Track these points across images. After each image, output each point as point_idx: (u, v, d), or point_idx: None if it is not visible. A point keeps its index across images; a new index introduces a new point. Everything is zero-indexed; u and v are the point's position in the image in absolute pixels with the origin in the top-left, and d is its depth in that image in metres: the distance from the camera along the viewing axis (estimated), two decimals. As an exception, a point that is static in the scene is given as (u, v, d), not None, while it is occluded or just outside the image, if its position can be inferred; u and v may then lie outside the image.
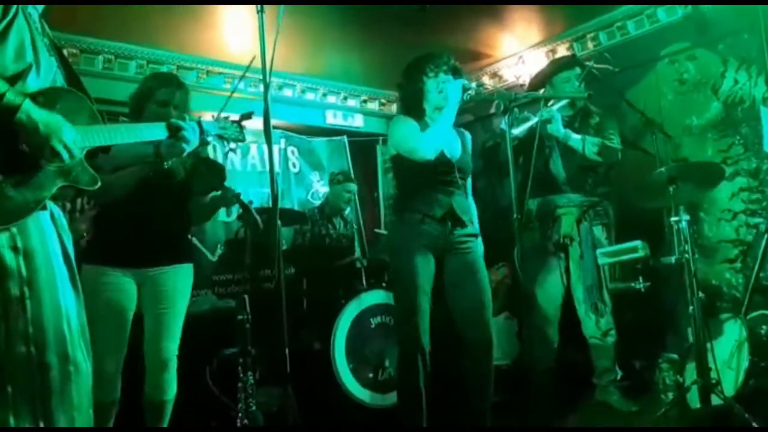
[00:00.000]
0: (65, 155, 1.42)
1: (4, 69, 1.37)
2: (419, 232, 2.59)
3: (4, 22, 1.36)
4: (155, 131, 1.88)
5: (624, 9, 4.11)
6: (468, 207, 2.75)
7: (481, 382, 2.59)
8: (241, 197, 2.82)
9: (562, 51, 4.54)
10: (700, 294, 2.67)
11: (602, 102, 3.43)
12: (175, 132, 1.92)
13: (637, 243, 2.96)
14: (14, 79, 1.37)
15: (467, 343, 2.61)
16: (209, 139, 2.15)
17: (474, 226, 2.74)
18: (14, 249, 1.37)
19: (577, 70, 3.33)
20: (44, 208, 1.47)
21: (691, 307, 2.66)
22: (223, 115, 2.23)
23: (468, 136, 2.85)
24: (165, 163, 2.09)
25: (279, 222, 1.67)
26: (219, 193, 2.73)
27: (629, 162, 3.39)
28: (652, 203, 3.01)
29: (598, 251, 3.13)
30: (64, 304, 1.46)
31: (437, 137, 2.56)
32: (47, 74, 1.49)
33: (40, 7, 1.53)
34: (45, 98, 1.42)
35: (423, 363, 2.52)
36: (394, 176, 2.90)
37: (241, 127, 2.26)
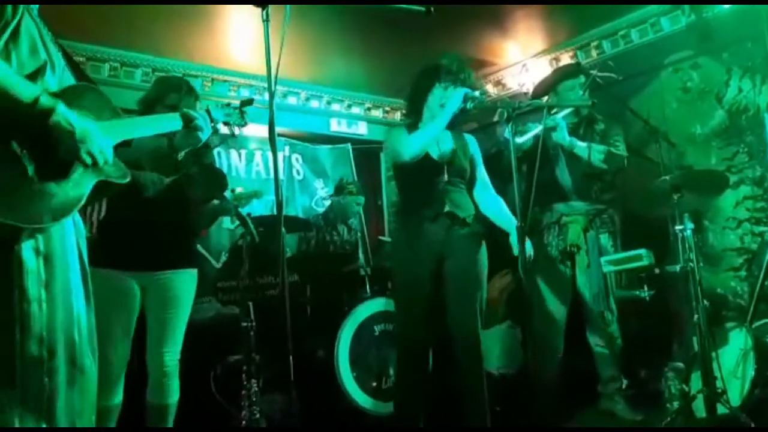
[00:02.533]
0: (100, 160, 1.45)
1: (22, 66, 1.38)
2: (418, 234, 2.60)
3: (15, 21, 1.37)
4: (171, 122, 1.96)
5: (628, 17, 4.13)
6: (467, 205, 2.73)
7: (472, 382, 2.57)
8: (239, 209, 2.85)
9: (566, 59, 4.55)
10: (705, 302, 2.66)
11: (606, 110, 3.44)
12: (188, 122, 1.99)
13: (642, 251, 2.96)
14: (33, 77, 1.39)
15: (456, 344, 2.60)
16: (218, 127, 2.22)
17: (476, 225, 2.73)
18: (36, 251, 1.39)
19: (581, 78, 3.34)
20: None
21: (696, 316, 2.65)
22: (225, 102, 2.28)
23: (471, 139, 2.87)
24: (179, 155, 2.14)
25: (283, 229, 1.67)
26: (217, 202, 2.75)
27: (633, 170, 3.39)
28: (657, 211, 3.01)
29: (603, 259, 3.12)
30: (77, 308, 1.47)
31: (422, 138, 2.58)
32: (60, 70, 1.52)
33: (35, 7, 1.54)
34: (71, 96, 1.44)
35: (426, 364, 2.52)
36: (396, 182, 2.90)
37: (243, 113, 2.30)
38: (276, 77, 1.62)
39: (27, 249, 1.37)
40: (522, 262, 2.31)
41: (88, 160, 1.43)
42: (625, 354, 3.21)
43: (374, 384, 3.50)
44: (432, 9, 1.66)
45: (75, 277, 1.49)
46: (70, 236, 1.50)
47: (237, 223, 4.54)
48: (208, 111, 2.15)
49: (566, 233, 3.27)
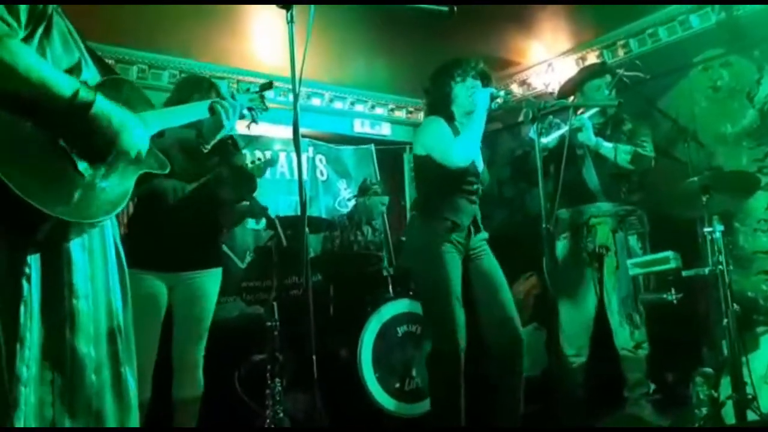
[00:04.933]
0: (142, 150, 1.46)
1: (57, 62, 1.39)
2: (447, 239, 2.59)
3: (45, 19, 1.38)
4: (200, 110, 2.00)
5: (656, 16, 4.05)
6: (479, 211, 2.77)
7: (513, 382, 2.60)
8: (268, 212, 2.88)
9: (592, 58, 4.49)
10: (735, 306, 2.60)
11: (634, 109, 3.39)
12: (215, 110, 2.03)
13: (669, 254, 2.90)
14: (69, 73, 1.39)
15: (497, 346, 2.60)
16: (244, 112, 2.26)
17: (485, 231, 2.77)
18: (83, 247, 1.39)
19: (608, 77, 3.30)
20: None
21: (725, 320, 2.59)
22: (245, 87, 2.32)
23: None
24: (206, 146, 2.20)
25: (306, 230, 1.68)
26: (246, 204, 2.79)
27: (662, 170, 3.33)
28: (685, 213, 2.95)
29: (629, 261, 3.07)
30: (115, 303, 1.48)
31: (471, 146, 2.57)
32: (92, 67, 1.53)
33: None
34: (108, 89, 1.44)
35: (460, 362, 2.52)
36: (417, 177, 2.88)
37: (263, 98, 2.33)
38: (300, 79, 1.63)
39: (76, 245, 1.38)
40: (547, 264, 2.29)
41: (130, 149, 1.43)
42: (652, 358, 3.16)
43: (397, 385, 3.49)
44: (455, 9, 1.65)
45: (113, 274, 1.50)
46: (107, 229, 1.51)
47: (263, 223, 4.61)
48: (233, 97, 2.18)
49: (595, 234, 3.23)
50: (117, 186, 1.44)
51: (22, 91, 1.23)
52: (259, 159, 3.30)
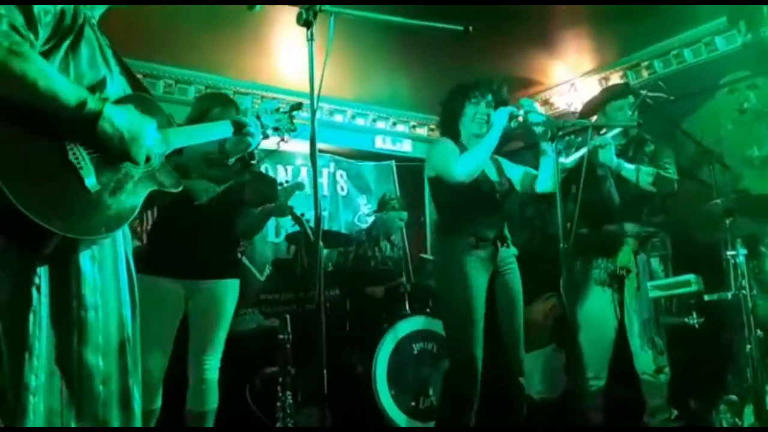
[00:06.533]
0: (142, 159, 1.45)
1: (81, 77, 1.41)
2: (472, 255, 2.58)
3: (73, 33, 1.41)
4: (223, 129, 1.98)
5: (681, 37, 4.04)
6: (505, 228, 2.76)
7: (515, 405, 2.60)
8: (294, 210, 2.90)
9: (616, 79, 4.48)
10: (759, 332, 2.53)
11: (657, 131, 3.35)
12: (239, 129, 2.02)
13: (690, 277, 2.85)
14: (93, 89, 1.41)
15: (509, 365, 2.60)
16: (268, 132, 2.24)
17: (513, 247, 2.76)
18: (92, 258, 1.41)
19: (630, 98, 3.27)
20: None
21: (748, 346, 2.53)
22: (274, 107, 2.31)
23: (504, 162, 2.88)
24: (229, 160, 2.19)
25: (321, 244, 1.69)
26: (272, 204, 2.81)
27: (686, 192, 3.28)
28: (708, 236, 2.91)
29: (649, 284, 3.02)
30: (125, 314, 1.49)
31: (472, 161, 2.56)
32: (119, 82, 1.56)
33: (98, 15, 1.58)
34: (125, 104, 1.46)
35: (477, 382, 2.50)
36: (432, 199, 2.90)
37: (292, 118, 2.32)
38: (318, 95, 1.65)
39: (85, 257, 1.39)
40: (565, 284, 2.27)
41: (141, 158, 1.43)
42: (674, 383, 3.08)
43: (412, 403, 3.47)
44: (470, 29, 1.66)
45: (123, 285, 1.51)
46: (120, 244, 1.52)
47: (282, 236, 4.65)
48: (258, 117, 2.18)
49: (616, 255, 3.18)
50: (125, 201, 1.44)
51: (31, 99, 1.25)
52: (287, 181, 3.32)
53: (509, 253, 2.71)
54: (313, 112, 1.63)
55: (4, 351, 1.25)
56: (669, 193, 3.17)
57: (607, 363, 3.18)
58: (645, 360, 3.09)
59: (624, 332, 3.17)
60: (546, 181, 2.73)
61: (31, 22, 1.30)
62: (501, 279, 2.68)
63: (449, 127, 2.75)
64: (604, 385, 3.16)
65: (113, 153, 1.39)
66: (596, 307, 3.21)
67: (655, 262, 3.15)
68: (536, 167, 3.79)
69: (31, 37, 1.30)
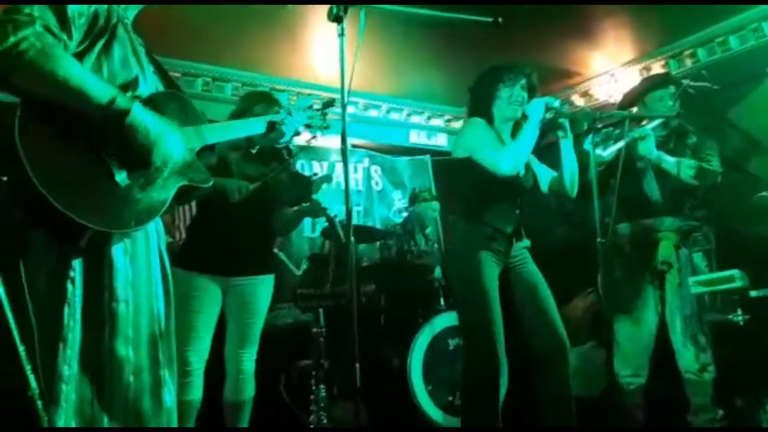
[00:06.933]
0: (160, 161, 1.46)
1: (114, 76, 1.45)
2: (488, 246, 2.54)
3: (107, 34, 1.44)
4: (256, 126, 2.01)
5: (726, 24, 3.90)
6: (522, 220, 2.69)
7: (557, 391, 2.49)
8: (328, 211, 2.93)
9: (657, 68, 4.36)
10: (808, 331, 2.44)
11: (700, 122, 3.24)
12: (272, 127, 2.05)
13: (734, 272, 2.75)
14: (125, 88, 1.45)
15: (541, 353, 2.53)
16: (300, 129, 2.26)
17: (527, 239, 2.70)
18: (125, 252, 1.44)
19: (672, 88, 3.17)
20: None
21: (797, 345, 2.43)
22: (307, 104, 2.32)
23: (530, 157, 2.81)
24: (253, 149, 2.23)
25: (353, 238, 1.70)
26: (307, 204, 2.85)
27: (731, 185, 3.16)
28: (754, 229, 2.80)
29: (691, 279, 2.93)
30: (157, 308, 1.52)
31: (518, 155, 2.51)
32: (151, 81, 1.59)
33: (132, 15, 1.61)
34: (157, 103, 1.49)
35: (499, 377, 2.45)
36: (457, 181, 2.79)
37: (325, 115, 2.33)
38: (349, 90, 1.65)
39: (118, 250, 1.43)
40: (602, 280, 2.22)
41: (160, 161, 1.45)
42: (719, 382, 2.99)
43: (449, 398, 3.45)
44: (500, 20, 1.64)
45: (156, 279, 1.54)
46: (152, 233, 1.56)
47: (318, 231, 4.69)
48: (290, 113, 2.20)
49: (657, 250, 3.10)
50: (155, 196, 1.47)
51: (62, 98, 1.29)
52: (315, 174, 3.36)
53: (521, 246, 2.64)
54: (344, 107, 1.64)
55: (42, 341, 1.29)
56: (712, 186, 3.07)
57: (648, 360, 3.11)
58: (688, 358, 3.00)
59: (665, 329, 3.09)
60: (567, 179, 2.65)
61: (65, 24, 1.34)
62: (515, 272, 2.61)
63: (482, 112, 2.68)
64: (644, 383, 3.09)
65: (135, 151, 1.41)
66: (636, 303, 3.14)
67: (698, 257, 3.06)
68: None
69: (65, 38, 1.34)
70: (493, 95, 2.63)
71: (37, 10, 1.29)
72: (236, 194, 2.50)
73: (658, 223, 3.12)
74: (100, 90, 1.34)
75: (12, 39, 1.23)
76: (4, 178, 1.28)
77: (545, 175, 2.80)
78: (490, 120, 2.67)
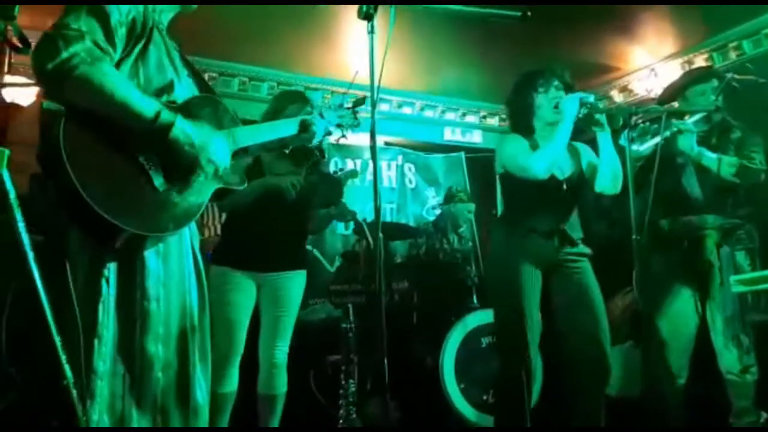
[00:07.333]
0: (220, 166, 1.55)
1: (149, 81, 1.51)
2: (524, 245, 2.52)
3: (143, 40, 1.50)
4: (288, 127, 2.04)
5: (773, 14, 3.76)
6: (577, 226, 2.63)
7: (590, 408, 2.45)
8: (357, 216, 2.95)
9: (700, 62, 4.24)
10: None
11: (745, 117, 3.13)
12: (305, 128, 2.07)
13: (778, 271, 2.66)
14: (161, 92, 1.51)
15: (580, 367, 2.49)
16: (331, 129, 2.27)
17: (584, 246, 2.61)
18: (157, 252, 1.50)
19: (714, 82, 3.07)
20: None
21: None
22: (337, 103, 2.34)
23: (584, 149, 2.74)
24: (286, 149, 2.25)
25: (381, 235, 1.71)
26: (336, 209, 2.88)
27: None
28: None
29: (732, 278, 2.83)
30: (189, 301, 1.57)
31: (549, 156, 2.48)
32: (186, 85, 1.64)
33: (166, 20, 1.66)
34: (192, 108, 1.55)
35: (528, 382, 2.43)
36: (501, 194, 2.82)
37: (356, 114, 2.34)
38: (378, 87, 1.66)
39: (151, 252, 1.48)
40: (638, 278, 2.18)
41: (209, 168, 1.53)
42: (762, 384, 2.90)
43: (483, 398, 3.44)
44: (528, 13, 1.61)
45: (189, 277, 1.59)
46: (186, 237, 1.61)
47: (351, 228, 4.73)
48: (321, 114, 2.22)
49: (697, 248, 3.02)
50: (191, 199, 1.52)
51: (107, 109, 1.36)
52: (341, 169, 3.39)
53: (572, 251, 2.56)
54: (374, 104, 1.66)
55: (81, 338, 1.36)
56: (756, 183, 2.97)
57: (688, 361, 3.03)
58: (729, 359, 2.92)
59: (706, 329, 3.01)
60: (604, 179, 2.59)
61: (109, 37, 1.40)
62: (561, 276, 2.55)
63: (522, 123, 2.67)
64: (684, 384, 3.02)
65: (183, 160, 1.48)
66: (676, 303, 3.06)
67: (741, 256, 2.97)
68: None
69: (110, 50, 1.40)
70: (531, 104, 2.62)
71: (84, 24, 1.36)
72: (292, 191, 2.54)
73: (701, 221, 3.03)
74: (145, 104, 1.40)
75: (64, 54, 1.30)
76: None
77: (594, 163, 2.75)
78: (531, 130, 2.65)
